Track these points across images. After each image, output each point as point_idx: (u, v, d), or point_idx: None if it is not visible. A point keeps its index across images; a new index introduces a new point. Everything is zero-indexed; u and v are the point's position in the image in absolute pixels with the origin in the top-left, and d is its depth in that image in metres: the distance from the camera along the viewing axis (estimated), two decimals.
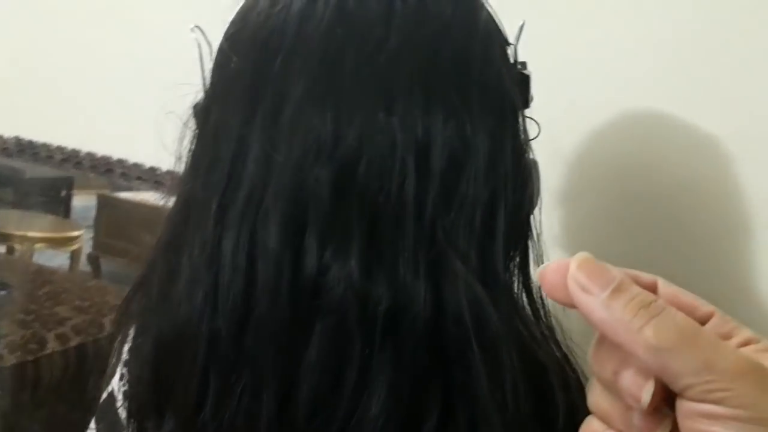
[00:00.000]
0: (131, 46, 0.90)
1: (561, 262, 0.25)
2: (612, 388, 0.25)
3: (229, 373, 0.36)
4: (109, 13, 1.02)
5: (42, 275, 1.46)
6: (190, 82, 0.42)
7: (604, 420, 0.26)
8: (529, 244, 0.41)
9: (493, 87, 0.38)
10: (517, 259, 0.41)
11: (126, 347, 0.44)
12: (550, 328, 0.40)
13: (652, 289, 0.25)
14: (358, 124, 0.35)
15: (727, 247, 0.69)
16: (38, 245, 1.74)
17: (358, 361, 0.35)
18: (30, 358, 1.24)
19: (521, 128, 0.41)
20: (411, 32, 0.37)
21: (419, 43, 0.37)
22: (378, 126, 0.36)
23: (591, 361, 0.26)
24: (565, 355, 0.41)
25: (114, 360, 0.45)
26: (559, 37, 0.77)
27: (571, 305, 0.24)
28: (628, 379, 0.24)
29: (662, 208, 0.72)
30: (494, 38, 0.40)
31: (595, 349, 0.25)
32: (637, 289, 0.24)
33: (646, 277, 0.25)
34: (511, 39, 0.42)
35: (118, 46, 0.96)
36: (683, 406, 0.23)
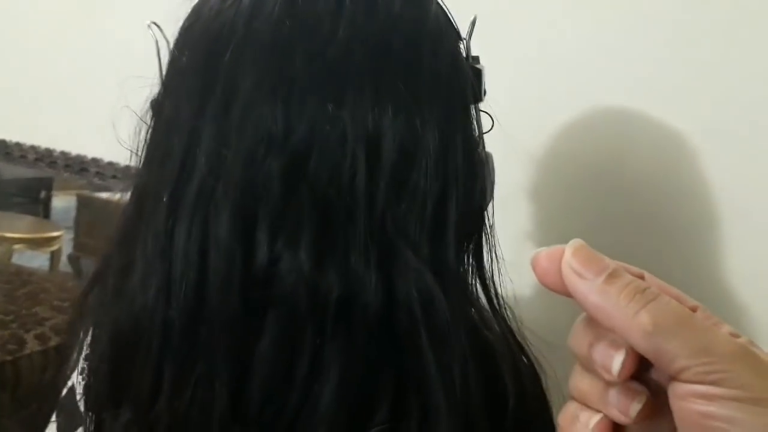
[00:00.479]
0: (96, 42, 0.89)
1: (554, 249, 0.25)
2: (588, 366, 0.25)
3: (183, 364, 0.36)
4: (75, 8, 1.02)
5: (21, 276, 1.45)
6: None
7: (583, 400, 0.26)
8: (483, 236, 0.42)
9: (442, 81, 0.39)
10: (471, 251, 0.42)
11: (87, 341, 0.44)
12: (503, 318, 0.41)
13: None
14: (309, 116, 0.36)
15: (694, 240, 0.70)
16: (17, 246, 1.72)
17: (310, 350, 0.35)
18: (9, 358, 1.23)
19: (473, 122, 0.41)
20: (360, 25, 0.37)
21: (368, 36, 0.37)
22: (328, 119, 0.36)
23: (570, 344, 0.26)
24: (518, 344, 0.41)
25: (75, 354, 0.46)
26: (531, 34, 0.78)
27: (562, 291, 0.25)
28: (601, 351, 0.24)
29: (632, 203, 0.73)
30: (444, 32, 0.40)
31: (574, 332, 0.26)
32: (630, 276, 0.24)
33: (634, 270, 0.26)
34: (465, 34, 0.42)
35: (83, 42, 0.96)
36: (678, 389, 0.23)
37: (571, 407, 0.27)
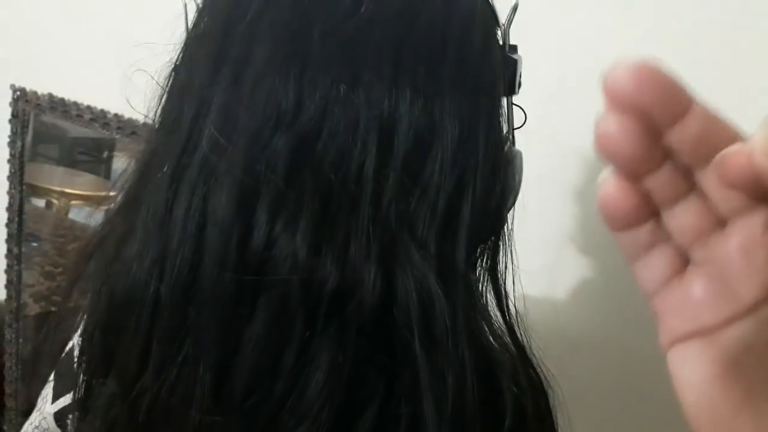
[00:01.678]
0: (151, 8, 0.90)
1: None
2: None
3: (171, 341, 0.35)
4: None
5: (74, 231, 1.50)
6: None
7: None
8: (500, 240, 0.39)
9: (470, 68, 0.36)
10: (486, 255, 0.39)
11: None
12: (513, 330, 0.38)
13: None
14: (321, 95, 0.34)
15: None
16: (75, 202, 1.79)
17: (298, 341, 0.34)
18: (53, 308, 1.28)
19: (501, 115, 0.38)
20: (385, 1, 0.35)
21: (392, 14, 0.35)
22: (341, 100, 0.34)
23: None
24: (526, 358, 0.38)
25: (80, 317, 0.46)
26: (560, 26, 0.73)
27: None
28: None
29: None
30: (479, 16, 0.37)
31: None
32: None
33: None
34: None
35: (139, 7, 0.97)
36: None
37: None
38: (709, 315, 0.21)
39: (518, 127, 0.40)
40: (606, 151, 0.20)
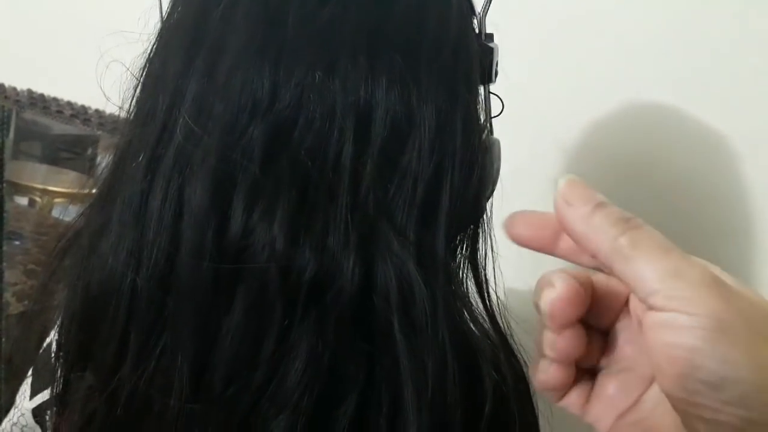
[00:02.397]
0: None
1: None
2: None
3: (148, 333, 0.35)
4: None
5: (57, 228, 1.48)
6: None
7: (543, 353, 0.28)
8: (479, 228, 0.39)
9: (446, 55, 0.36)
10: (466, 243, 0.39)
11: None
12: (493, 316, 0.38)
13: None
14: (296, 83, 0.34)
15: (726, 247, 0.65)
16: (58, 200, 1.77)
17: (277, 330, 0.34)
18: (34, 306, 1.26)
19: (478, 103, 0.38)
20: None
21: (368, 0, 0.35)
22: (317, 87, 0.34)
23: (535, 302, 0.27)
24: (507, 344, 0.38)
25: (57, 313, 0.45)
26: (564, 31, 0.74)
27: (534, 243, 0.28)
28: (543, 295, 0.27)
29: (662, 206, 0.68)
30: (455, 3, 0.37)
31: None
32: (618, 209, 0.25)
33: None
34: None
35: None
36: (648, 319, 0.24)
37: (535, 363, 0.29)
38: (626, 400, 0.28)
39: (495, 116, 0.40)
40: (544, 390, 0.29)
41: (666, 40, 0.66)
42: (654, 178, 0.70)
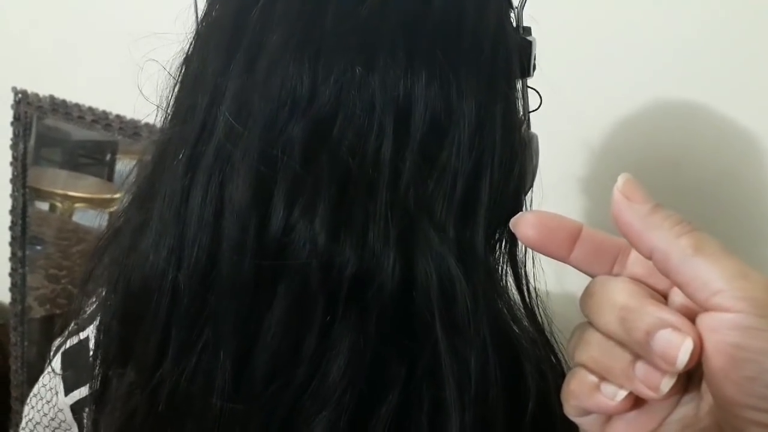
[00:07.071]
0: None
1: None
2: (619, 337, 0.25)
3: (190, 330, 0.35)
4: None
5: (78, 233, 1.49)
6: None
7: (603, 374, 0.26)
8: None
9: (485, 50, 0.36)
10: (505, 240, 0.39)
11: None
12: (533, 313, 0.38)
13: None
14: (336, 79, 0.34)
15: (754, 249, 0.64)
16: (79, 205, 1.78)
17: (319, 327, 0.33)
18: (58, 311, 1.27)
19: (517, 97, 0.38)
20: None
21: None
22: (356, 83, 0.34)
23: (587, 312, 0.26)
24: (547, 342, 0.38)
25: (92, 309, 0.45)
26: (593, 23, 0.73)
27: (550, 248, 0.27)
28: (661, 340, 0.23)
29: (688, 204, 0.67)
30: None
31: (598, 300, 0.26)
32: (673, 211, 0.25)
33: None
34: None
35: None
36: (710, 321, 0.23)
37: (587, 377, 0.26)
38: (649, 423, 0.27)
39: (533, 110, 0.40)
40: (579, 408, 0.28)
41: (697, 39, 0.66)
42: (679, 179, 0.69)
